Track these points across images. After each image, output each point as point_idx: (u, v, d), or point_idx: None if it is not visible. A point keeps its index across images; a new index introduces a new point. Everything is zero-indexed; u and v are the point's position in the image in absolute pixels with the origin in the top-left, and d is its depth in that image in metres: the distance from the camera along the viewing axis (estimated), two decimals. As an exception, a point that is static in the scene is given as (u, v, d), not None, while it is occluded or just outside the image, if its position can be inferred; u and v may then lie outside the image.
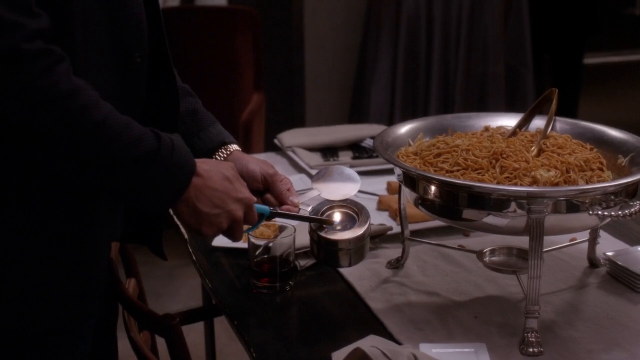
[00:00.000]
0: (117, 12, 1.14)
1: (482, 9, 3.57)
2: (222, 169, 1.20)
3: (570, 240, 1.59)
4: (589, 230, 1.55)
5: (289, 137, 2.22)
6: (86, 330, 1.23)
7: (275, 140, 2.26)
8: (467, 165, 1.37)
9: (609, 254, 1.54)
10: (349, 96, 3.99)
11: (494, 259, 1.51)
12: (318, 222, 1.33)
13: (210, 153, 1.39)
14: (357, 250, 1.33)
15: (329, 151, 2.18)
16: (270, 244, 1.49)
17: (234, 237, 1.23)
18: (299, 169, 2.10)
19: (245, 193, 1.22)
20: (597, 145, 1.50)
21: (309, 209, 1.35)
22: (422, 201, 1.39)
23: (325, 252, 1.34)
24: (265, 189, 1.36)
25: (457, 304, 1.43)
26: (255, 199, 1.25)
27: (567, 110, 4.16)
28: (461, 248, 1.58)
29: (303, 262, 1.57)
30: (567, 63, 4.09)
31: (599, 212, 1.24)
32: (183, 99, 1.38)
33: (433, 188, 1.34)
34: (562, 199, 1.25)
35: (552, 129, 1.56)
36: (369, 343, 1.19)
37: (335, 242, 1.31)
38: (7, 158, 1.08)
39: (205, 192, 1.16)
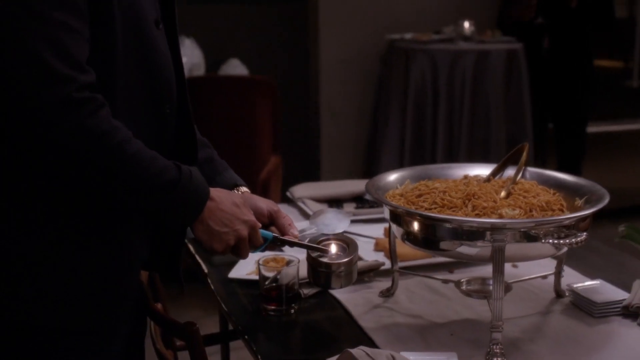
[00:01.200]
0: (151, 71, 1.42)
1: (484, 79, 3.85)
2: (232, 197, 1.46)
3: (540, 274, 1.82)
4: (555, 265, 1.78)
5: (299, 190, 2.48)
6: (117, 336, 1.48)
7: (288, 193, 2.52)
8: (443, 204, 1.62)
9: (573, 285, 1.77)
10: (361, 159, 4.27)
11: (469, 287, 1.75)
12: (314, 249, 1.58)
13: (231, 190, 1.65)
14: (347, 274, 1.58)
15: (334, 202, 2.43)
16: (278, 275, 1.74)
17: (241, 254, 1.48)
18: (307, 217, 2.35)
19: (250, 216, 1.47)
20: (559, 190, 1.75)
21: (307, 240, 1.60)
22: (407, 235, 1.63)
23: (321, 274, 1.58)
24: (270, 222, 1.60)
25: (437, 324, 1.66)
26: (259, 224, 1.50)
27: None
28: (443, 279, 1.82)
29: (306, 291, 1.81)
30: (570, 133, 4.32)
31: (550, 241, 1.48)
32: (202, 149, 1.66)
33: (415, 223, 1.58)
34: (521, 229, 1.50)
35: (522, 177, 1.81)
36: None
37: (329, 265, 1.56)
38: (54, 185, 1.34)
39: (217, 213, 1.42)
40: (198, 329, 1.48)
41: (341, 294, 1.79)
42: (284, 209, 2.43)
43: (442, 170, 1.83)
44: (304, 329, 1.69)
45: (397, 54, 4.02)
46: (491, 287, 1.73)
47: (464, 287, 1.74)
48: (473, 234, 1.52)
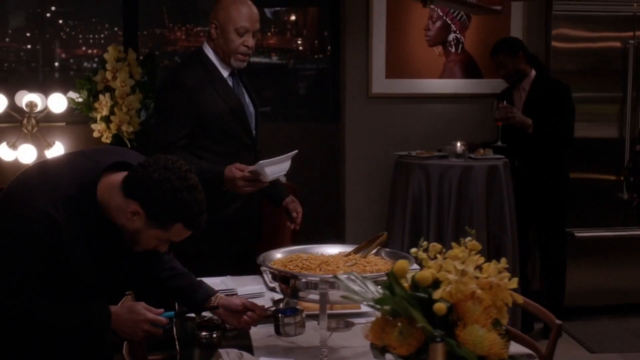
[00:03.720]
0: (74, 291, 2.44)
1: (467, 188, 4.69)
2: (129, 308, 2.43)
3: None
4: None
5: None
6: None
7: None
8: (302, 267, 2.51)
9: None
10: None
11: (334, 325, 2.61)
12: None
13: (207, 300, 2.63)
14: (298, 327, 2.50)
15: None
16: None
17: (155, 335, 2.46)
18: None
19: (144, 314, 2.41)
20: (394, 259, 2.59)
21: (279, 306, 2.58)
22: (281, 289, 2.53)
23: (280, 326, 2.50)
24: (245, 309, 2.59)
25: (301, 347, 2.52)
26: (153, 315, 2.43)
27: (554, 275, 5.12)
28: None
29: (230, 325, 2.71)
30: (551, 235, 5.10)
31: (353, 290, 2.34)
32: (183, 278, 2.68)
33: (281, 277, 2.48)
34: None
35: (377, 254, 2.67)
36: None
37: (291, 317, 2.50)
38: None
39: (120, 322, 2.40)
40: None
41: (254, 327, 2.69)
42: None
43: (320, 248, 2.72)
44: (222, 346, 2.60)
45: (400, 167, 4.93)
46: (350, 326, 2.62)
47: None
48: (313, 285, 2.40)
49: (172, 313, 2.51)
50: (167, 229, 2.30)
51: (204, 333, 2.64)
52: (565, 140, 4.92)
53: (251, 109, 3.60)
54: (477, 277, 1.97)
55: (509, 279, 2.02)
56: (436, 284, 1.97)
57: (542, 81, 4.95)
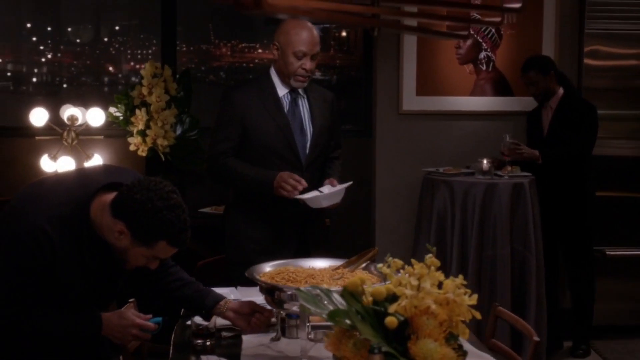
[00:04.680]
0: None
1: (491, 206, 4.72)
2: (119, 314, 2.59)
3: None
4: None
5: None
6: None
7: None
8: (289, 279, 2.62)
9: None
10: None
11: (315, 336, 2.70)
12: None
13: (216, 306, 2.77)
14: (298, 331, 2.62)
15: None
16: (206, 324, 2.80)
17: (144, 339, 2.61)
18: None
19: (133, 320, 2.57)
20: (383, 274, 2.68)
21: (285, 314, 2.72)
22: (267, 300, 2.64)
23: (285, 328, 2.66)
24: (253, 310, 2.73)
25: (287, 356, 2.64)
26: (143, 322, 2.59)
27: (582, 294, 5.10)
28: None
29: (225, 333, 2.83)
30: (577, 253, 5.09)
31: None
32: (192, 286, 2.82)
33: (266, 289, 2.59)
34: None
35: (366, 270, 2.76)
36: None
37: (296, 320, 2.64)
38: None
39: (111, 327, 2.56)
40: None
41: (247, 336, 2.79)
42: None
43: (306, 261, 2.82)
44: (214, 353, 2.72)
45: (427, 183, 4.99)
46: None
47: (311, 336, 2.70)
48: (296, 297, 2.50)
49: (159, 318, 2.64)
50: (151, 246, 2.44)
51: (198, 340, 2.77)
52: (580, 157, 4.93)
53: (309, 128, 3.67)
54: (434, 293, 2.05)
55: (470, 295, 2.09)
56: (394, 298, 2.06)
57: (569, 100, 4.96)
